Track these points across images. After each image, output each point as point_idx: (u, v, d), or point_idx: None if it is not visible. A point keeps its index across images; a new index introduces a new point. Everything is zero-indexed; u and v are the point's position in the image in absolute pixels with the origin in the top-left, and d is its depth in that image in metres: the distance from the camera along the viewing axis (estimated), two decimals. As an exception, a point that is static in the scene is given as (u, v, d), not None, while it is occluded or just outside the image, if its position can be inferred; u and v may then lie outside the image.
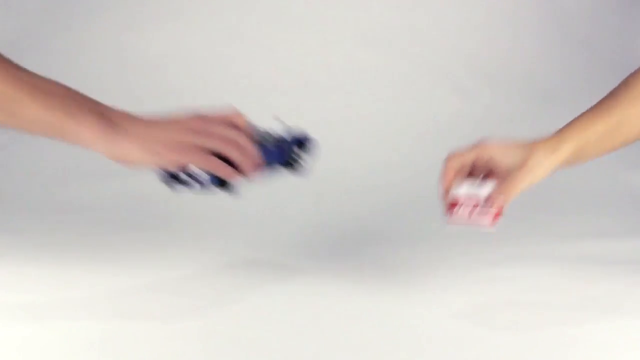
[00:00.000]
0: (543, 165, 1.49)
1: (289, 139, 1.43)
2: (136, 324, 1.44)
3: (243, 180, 1.37)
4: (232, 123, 1.38)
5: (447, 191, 1.51)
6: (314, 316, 1.51)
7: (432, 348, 1.37)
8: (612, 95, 1.57)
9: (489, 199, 1.47)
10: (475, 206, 1.47)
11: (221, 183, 1.36)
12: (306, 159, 1.44)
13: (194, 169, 1.33)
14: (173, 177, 1.35)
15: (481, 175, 1.53)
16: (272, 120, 1.44)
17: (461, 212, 1.47)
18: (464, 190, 1.47)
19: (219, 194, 1.38)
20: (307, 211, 2.26)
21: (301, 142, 1.44)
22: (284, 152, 1.42)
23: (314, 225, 2.12)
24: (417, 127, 2.67)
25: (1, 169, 2.48)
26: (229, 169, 1.35)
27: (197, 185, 1.35)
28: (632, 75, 1.57)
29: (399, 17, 2.75)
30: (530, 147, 1.50)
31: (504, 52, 2.80)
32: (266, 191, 2.41)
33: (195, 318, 1.48)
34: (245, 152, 1.36)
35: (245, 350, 1.34)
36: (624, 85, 1.57)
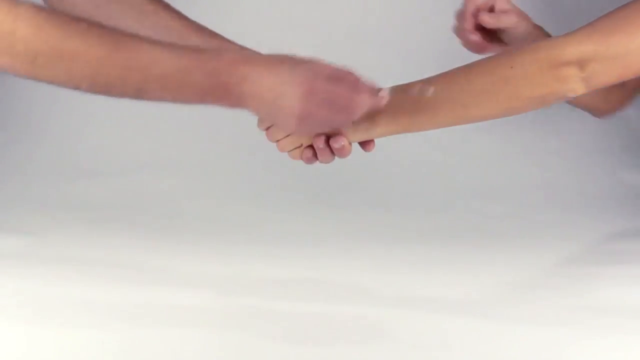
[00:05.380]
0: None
1: None
2: (136, 323, 1.44)
3: None
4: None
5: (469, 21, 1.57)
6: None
7: (429, 343, 1.37)
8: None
9: None
10: None
11: None
12: None
13: None
14: None
15: None
16: None
17: None
18: None
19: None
20: (310, 209, 2.27)
21: None
22: None
23: (320, 220, 2.14)
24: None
25: (1, 169, 2.48)
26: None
27: None
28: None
29: (397, 17, 2.76)
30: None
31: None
32: (267, 191, 2.42)
33: (196, 318, 1.48)
34: None
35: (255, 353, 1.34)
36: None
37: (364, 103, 1.36)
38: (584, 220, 2.22)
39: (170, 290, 1.61)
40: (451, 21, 1.76)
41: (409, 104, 1.45)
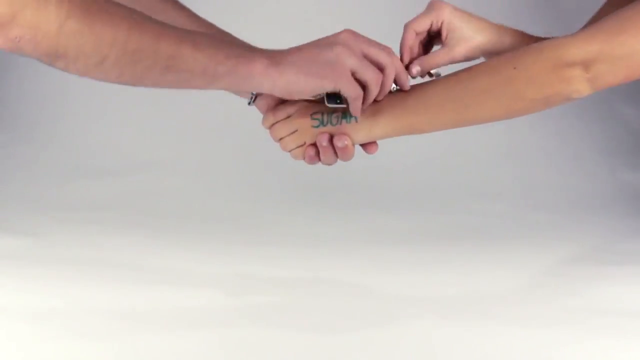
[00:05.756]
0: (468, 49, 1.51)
1: None
2: (136, 323, 1.44)
3: None
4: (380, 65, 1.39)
5: (406, 55, 1.51)
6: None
7: (430, 342, 1.37)
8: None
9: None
10: None
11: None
12: None
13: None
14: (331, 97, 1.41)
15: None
16: None
17: None
18: None
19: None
20: (310, 210, 2.27)
21: None
22: None
23: (321, 221, 2.14)
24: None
25: (1, 169, 2.48)
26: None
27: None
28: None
29: (398, 18, 2.76)
30: (482, 27, 1.51)
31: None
32: (269, 192, 2.42)
33: (197, 318, 1.48)
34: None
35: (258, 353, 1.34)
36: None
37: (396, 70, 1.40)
38: (584, 220, 2.23)
39: (170, 291, 1.61)
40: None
41: (412, 104, 1.44)
